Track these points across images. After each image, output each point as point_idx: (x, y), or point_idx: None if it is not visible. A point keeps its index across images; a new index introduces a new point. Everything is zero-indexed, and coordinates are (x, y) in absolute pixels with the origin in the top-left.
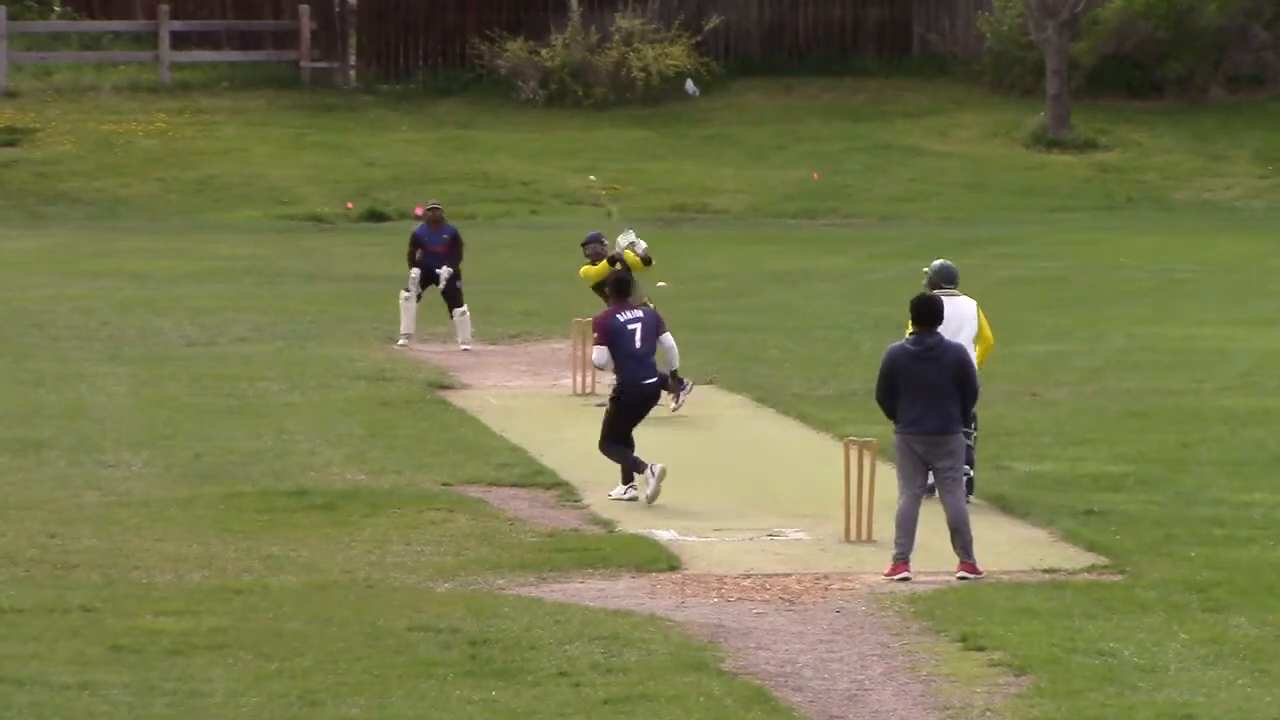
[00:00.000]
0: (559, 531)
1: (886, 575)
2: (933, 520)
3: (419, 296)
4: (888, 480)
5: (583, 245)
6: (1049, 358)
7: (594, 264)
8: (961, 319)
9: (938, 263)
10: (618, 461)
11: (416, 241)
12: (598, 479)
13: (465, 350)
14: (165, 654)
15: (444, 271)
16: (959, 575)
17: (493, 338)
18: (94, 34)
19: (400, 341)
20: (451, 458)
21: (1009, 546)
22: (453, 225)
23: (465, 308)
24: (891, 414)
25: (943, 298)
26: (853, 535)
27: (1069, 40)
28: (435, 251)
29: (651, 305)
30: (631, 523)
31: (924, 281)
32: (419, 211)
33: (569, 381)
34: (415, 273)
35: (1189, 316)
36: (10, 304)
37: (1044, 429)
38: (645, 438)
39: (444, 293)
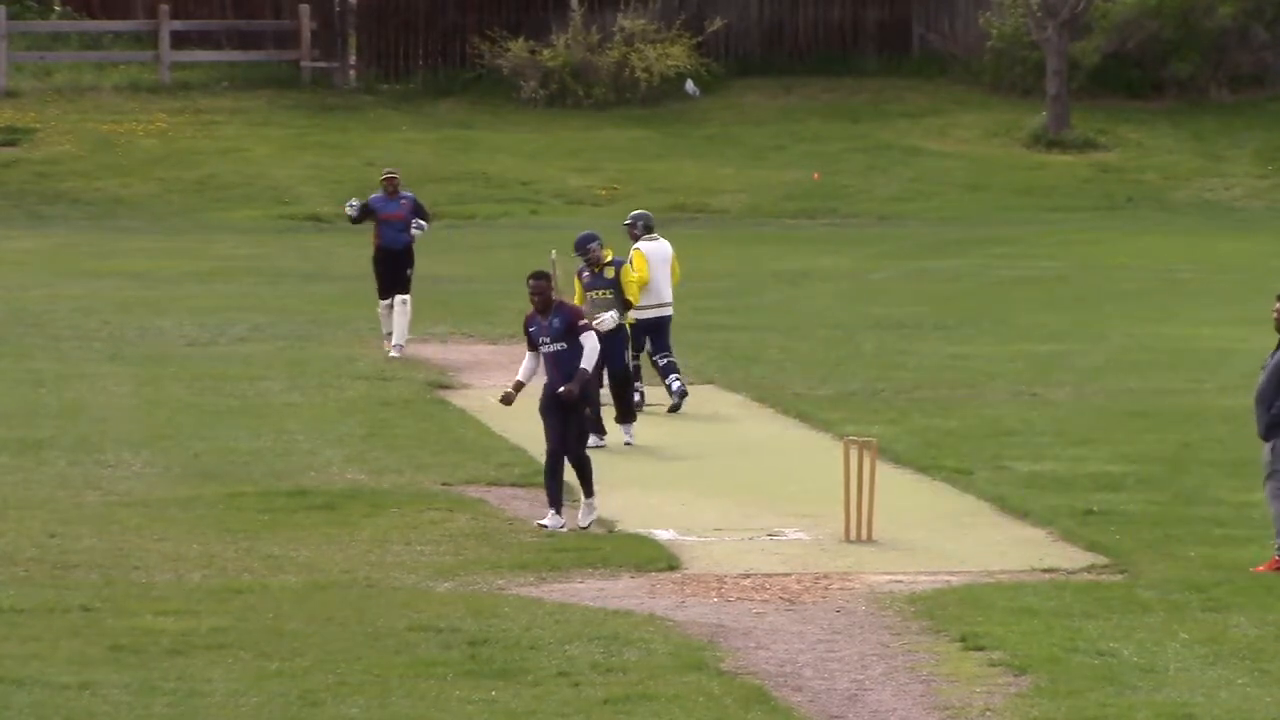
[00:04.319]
0: (559, 531)
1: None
2: (935, 520)
3: (384, 291)
4: (887, 480)
5: (577, 251)
6: (1049, 358)
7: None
8: (665, 258)
9: (637, 212)
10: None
11: (368, 210)
12: (598, 479)
13: (394, 356)
14: (165, 654)
15: (416, 228)
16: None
17: (493, 338)
18: (94, 34)
19: (391, 353)
20: (451, 458)
21: (1009, 546)
22: (411, 194)
23: (409, 298)
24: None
25: (653, 241)
26: (852, 535)
27: (1069, 40)
28: (391, 219)
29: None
30: (631, 523)
31: (629, 232)
32: None
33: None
34: (351, 204)
35: (1189, 316)
36: (10, 304)
37: (1044, 429)
38: (645, 437)
39: (392, 273)
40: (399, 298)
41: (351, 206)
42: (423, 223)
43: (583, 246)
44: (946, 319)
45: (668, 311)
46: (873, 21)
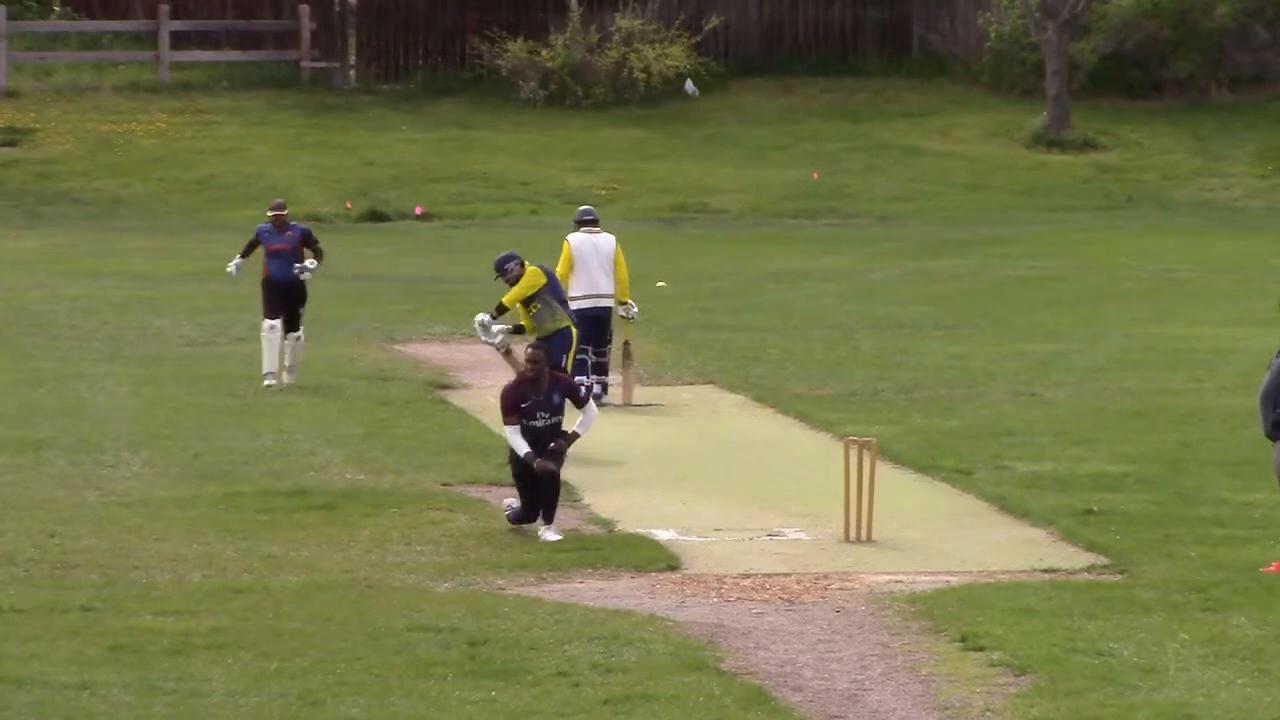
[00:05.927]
0: (558, 531)
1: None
2: (935, 519)
3: (271, 311)
4: (887, 480)
5: (497, 271)
6: (1049, 358)
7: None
8: (601, 253)
9: (582, 207)
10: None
11: (255, 240)
12: (598, 479)
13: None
14: (165, 654)
15: (308, 266)
16: None
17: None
18: (94, 34)
19: (267, 381)
20: (451, 458)
21: (1009, 546)
22: (301, 226)
23: (301, 334)
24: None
25: (589, 234)
26: (852, 535)
27: (1069, 40)
28: (278, 252)
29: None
30: (631, 523)
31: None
32: (419, 211)
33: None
34: (234, 263)
35: (1189, 316)
36: (10, 304)
37: (1044, 429)
38: (645, 437)
39: (284, 305)
40: (291, 334)
41: (234, 268)
42: (311, 264)
43: (501, 267)
44: (946, 319)
45: (606, 304)
46: (873, 21)
